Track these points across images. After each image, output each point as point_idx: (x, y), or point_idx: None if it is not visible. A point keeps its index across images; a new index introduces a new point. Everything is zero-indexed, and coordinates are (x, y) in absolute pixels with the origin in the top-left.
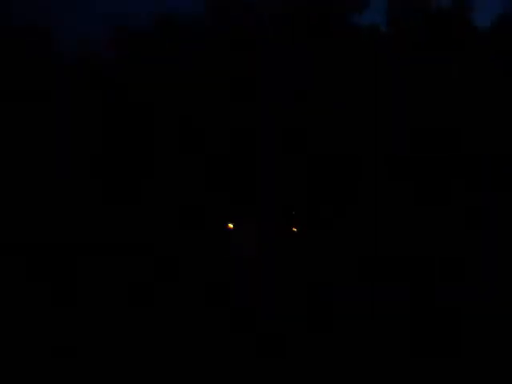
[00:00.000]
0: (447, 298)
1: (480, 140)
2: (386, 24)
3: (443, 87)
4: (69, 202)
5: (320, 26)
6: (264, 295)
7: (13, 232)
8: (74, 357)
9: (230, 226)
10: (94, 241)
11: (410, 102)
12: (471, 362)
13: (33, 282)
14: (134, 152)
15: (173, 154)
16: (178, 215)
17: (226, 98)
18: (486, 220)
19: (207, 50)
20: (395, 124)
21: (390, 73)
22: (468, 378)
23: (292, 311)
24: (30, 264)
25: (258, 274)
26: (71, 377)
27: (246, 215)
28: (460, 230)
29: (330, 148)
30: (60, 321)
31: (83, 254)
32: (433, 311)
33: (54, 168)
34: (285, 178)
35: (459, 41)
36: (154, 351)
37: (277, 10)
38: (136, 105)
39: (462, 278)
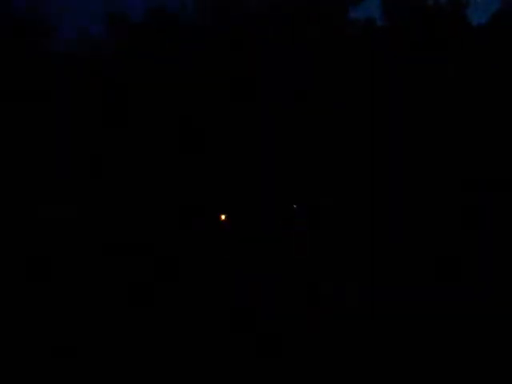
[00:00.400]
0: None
1: (477, 138)
2: (382, 20)
3: (439, 85)
4: (68, 201)
5: (318, 24)
6: (264, 295)
7: (12, 231)
8: (74, 357)
9: (223, 217)
10: (94, 240)
11: (407, 101)
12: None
13: (31, 282)
14: (134, 152)
15: (172, 154)
16: (177, 215)
17: (226, 98)
18: (482, 220)
19: (207, 49)
20: (391, 124)
21: (386, 71)
22: (468, 377)
23: (292, 311)
24: (28, 264)
25: (258, 274)
26: (71, 377)
27: (246, 214)
28: (456, 229)
29: (328, 147)
30: (60, 321)
31: (83, 254)
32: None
33: (54, 168)
34: (284, 178)
35: (455, 38)
36: (154, 351)
37: (277, 10)
38: (135, 105)
39: (458, 278)
